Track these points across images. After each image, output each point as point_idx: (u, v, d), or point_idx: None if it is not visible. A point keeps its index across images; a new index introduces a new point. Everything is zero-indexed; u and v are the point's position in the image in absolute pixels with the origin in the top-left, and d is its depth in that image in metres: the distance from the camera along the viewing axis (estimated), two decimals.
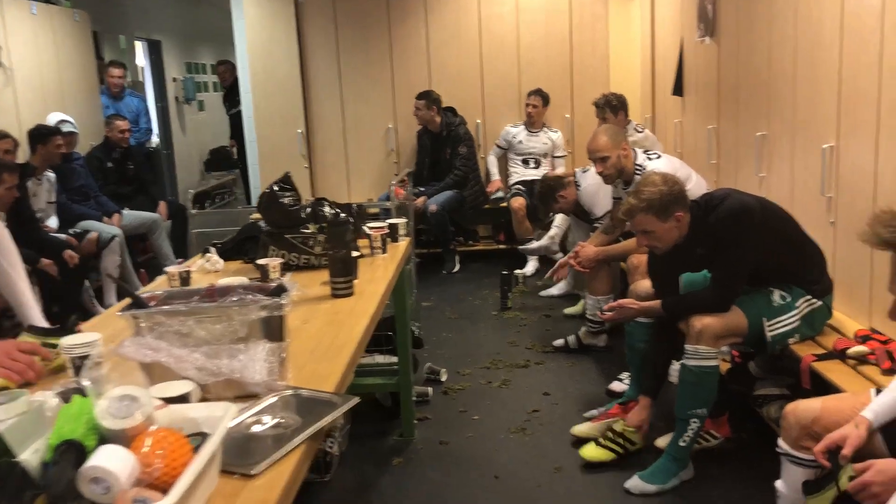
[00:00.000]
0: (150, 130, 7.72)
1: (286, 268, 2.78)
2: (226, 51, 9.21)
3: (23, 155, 5.04)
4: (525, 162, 6.35)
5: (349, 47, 6.61)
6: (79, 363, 1.71)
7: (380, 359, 3.54)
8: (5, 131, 4.69)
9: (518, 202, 5.98)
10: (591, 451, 3.10)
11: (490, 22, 6.57)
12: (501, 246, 6.55)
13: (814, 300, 2.89)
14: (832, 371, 2.62)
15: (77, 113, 6.03)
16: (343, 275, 2.43)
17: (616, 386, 3.74)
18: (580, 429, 3.28)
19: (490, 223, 6.75)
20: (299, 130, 6.60)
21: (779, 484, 2.17)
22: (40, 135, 5.06)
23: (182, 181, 9.63)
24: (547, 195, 4.48)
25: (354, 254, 2.61)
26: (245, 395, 1.63)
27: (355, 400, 1.59)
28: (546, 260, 6.04)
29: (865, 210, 2.88)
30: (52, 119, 5.54)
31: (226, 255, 3.05)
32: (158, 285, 3.01)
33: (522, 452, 3.21)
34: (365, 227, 3.07)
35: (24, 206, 4.56)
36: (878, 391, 2.04)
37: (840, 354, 2.67)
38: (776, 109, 3.68)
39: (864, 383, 2.49)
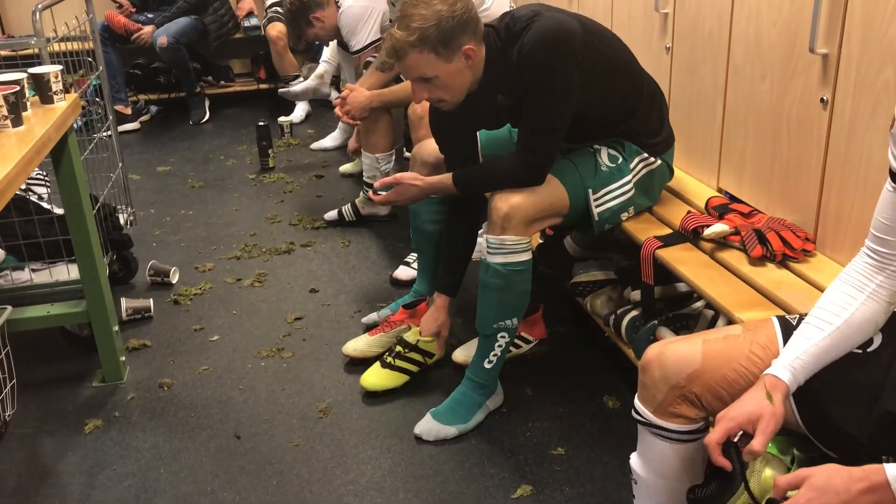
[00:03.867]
0: None
1: None
2: None
3: None
4: None
5: None
6: None
7: (62, 273, 2.44)
8: None
9: (277, 29, 4.76)
10: (374, 378, 2.28)
11: None
12: (263, 86, 5.35)
13: (651, 159, 2.13)
14: (684, 261, 1.90)
15: None
16: None
17: (402, 273, 2.91)
18: (355, 345, 2.44)
19: (247, 57, 5.48)
20: None
21: (636, 463, 1.44)
22: None
23: None
24: (298, 16, 3.36)
25: None
26: None
27: None
28: (319, 104, 4.98)
29: (717, 29, 2.10)
30: None
31: None
32: None
33: (277, 389, 2.32)
34: None
35: None
36: (784, 322, 1.31)
37: (692, 236, 1.95)
38: None
39: (730, 279, 1.80)
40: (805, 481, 1.03)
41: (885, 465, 1.00)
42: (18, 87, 1.92)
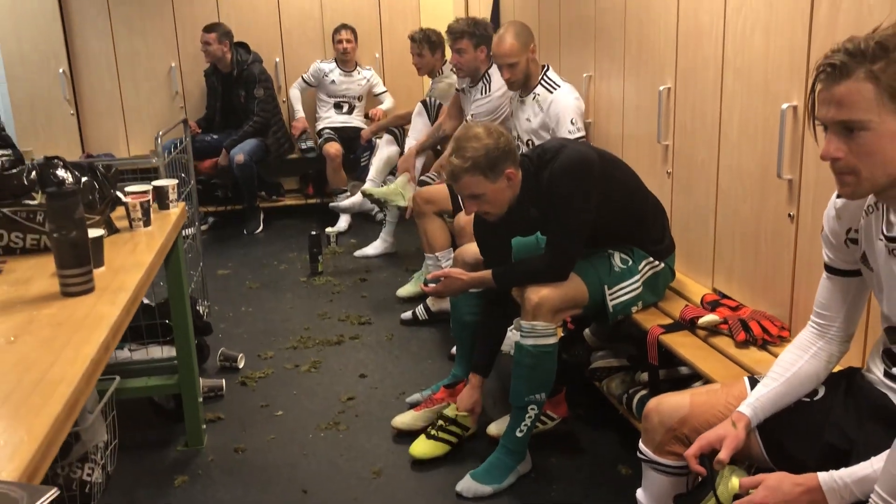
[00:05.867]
0: None
1: (6, 252, 2.07)
2: None
3: None
4: (338, 106, 5.71)
5: None
6: None
7: (156, 352, 2.88)
8: None
9: (334, 148, 5.37)
10: (421, 447, 2.66)
11: None
12: (311, 200, 5.92)
13: (656, 262, 2.58)
14: (682, 345, 2.31)
15: None
16: (75, 265, 1.77)
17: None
18: (402, 420, 2.83)
19: (297, 175, 6.09)
20: (61, 70, 5.55)
21: (640, 495, 1.82)
22: None
23: None
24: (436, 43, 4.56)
25: (95, 233, 1.94)
26: None
27: (50, 495, 1.00)
28: (361, 217, 5.51)
29: (707, 159, 2.58)
30: None
31: None
32: None
33: (335, 455, 2.71)
34: (121, 194, 2.39)
35: None
36: (752, 380, 1.72)
37: (689, 325, 2.37)
38: (604, 47, 3.32)
39: (719, 358, 2.20)
40: (761, 483, 1.42)
41: (818, 473, 1.39)
42: (148, 197, 2.42)
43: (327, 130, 5.50)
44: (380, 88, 5.85)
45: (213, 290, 4.37)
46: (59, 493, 1.00)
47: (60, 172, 2.16)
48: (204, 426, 2.81)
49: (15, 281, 1.91)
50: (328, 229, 5.17)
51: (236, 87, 5.47)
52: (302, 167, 5.96)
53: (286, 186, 6.04)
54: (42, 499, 0.99)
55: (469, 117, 3.94)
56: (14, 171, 2.09)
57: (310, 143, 5.70)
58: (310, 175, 5.92)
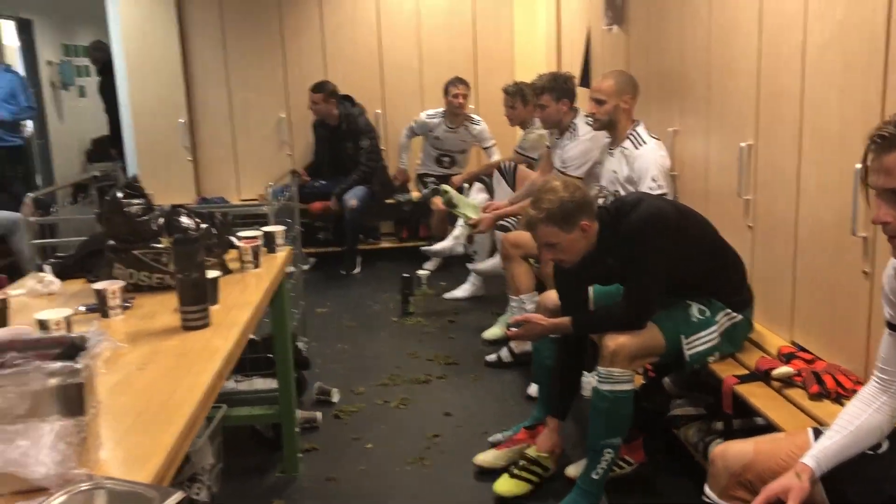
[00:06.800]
0: (31, 108, 6.92)
1: (134, 289, 2.34)
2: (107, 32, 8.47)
3: None
4: (439, 160, 5.94)
5: (235, 29, 6.09)
6: None
7: (259, 384, 3.12)
8: None
9: (440, 202, 5.58)
10: (505, 485, 2.78)
11: (389, 6, 6.18)
12: (405, 244, 6.17)
13: (734, 314, 2.65)
14: (756, 395, 2.37)
15: None
16: (195, 302, 2.01)
17: (533, 390, 3.45)
18: (484, 458, 2.96)
19: (393, 219, 6.36)
20: (181, 120, 6.04)
21: None
22: None
23: (63, 174, 8.84)
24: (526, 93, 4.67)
25: (212, 274, 2.19)
26: (30, 490, 1.22)
27: (176, 497, 1.19)
28: (451, 262, 5.70)
29: (786, 213, 2.65)
30: None
31: (68, 272, 2.58)
32: None
33: (421, 488, 2.86)
34: (234, 238, 2.65)
35: None
36: (817, 431, 1.78)
37: (764, 376, 2.42)
38: (689, 104, 3.43)
39: (791, 410, 2.26)
40: None
41: None
42: (258, 241, 2.67)
43: (432, 180, 5.72)
44: (488, 142, 5.85)
45: (312, 327, 4.64)
46: (184, 496, 1.20)
47: (184, 219, 2.44)
48: (300, 455, 3.02)
49: (143, 315, 2.17)
50: (419, 272, 5.38)
51: (344, 139, 5.82)
52: (398, 212, 6.23)
53: (382, 230, 6.32)
54: (171, 499, 1.18)
55: (559, 165, 4.08)
56: (145, 217, 2.37)
57: (409, 197, 5.98)
58: (404, 220, 6.18)
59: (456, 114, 5.75)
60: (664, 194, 3.35)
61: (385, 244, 6.22)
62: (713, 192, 3.24)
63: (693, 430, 2.77)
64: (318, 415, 3.38)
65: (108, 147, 9.46)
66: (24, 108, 6.66)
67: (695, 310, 2.62)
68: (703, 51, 3.22)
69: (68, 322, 1.90)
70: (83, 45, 10.10)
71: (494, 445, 3.05)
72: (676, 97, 3.57)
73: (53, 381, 1.23)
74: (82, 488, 1.22)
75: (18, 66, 8.74)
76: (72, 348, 1.30)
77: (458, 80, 5.71)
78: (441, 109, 5.79)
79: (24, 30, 8.83)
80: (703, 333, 2.59)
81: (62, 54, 9.66)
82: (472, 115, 5.85)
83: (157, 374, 1.75)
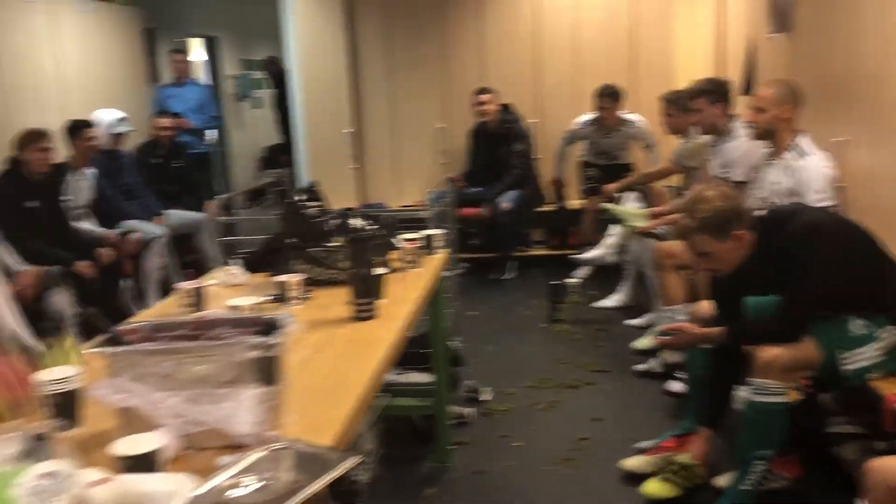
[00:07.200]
0: (217, 118, 7.64)
1: (311, 283, 2.58)
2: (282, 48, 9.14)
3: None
4: (599, 154, 5.89)
5: (401, 43, 6.43)
6: (58, 400, 1.53)
7: (415, 377, 3.31)
8: (41, 130, 4.56)
9: (595, 202, 5.60)
10: (655, 487, 2.82)
11: (547, 18, 6.30)
12: (556, 252, 6.24)
13: None
14: None
15: (125, 111, 5.96)
16: (364, 295, 2.20)
17: (673, 385, 3.48)
18: (631, 462, 3.00)
19: (545, 227, 6.45)
20: (349, 130, 6.42)
21: None
22: (73, 128, 4.98)
23: (239, 180, 9.59)
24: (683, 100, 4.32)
25: (380, 271, 2.38)
26: (232, 445, 1.43)
27: (354, 460, 1.36)
28: (602, 270, 5.70)
29: None
30: (105, 117, 5.44)
31: (252, 266, 2.87)
32: (168, 304, 2.76)
33: (566, 487, 2.94)
34: (397, 239, 2.85)
35: (56, 204, 4.51)
36: None
37: None
38: (858, 113, 3.32)
39: None
40: None
41: None
42: (419, 243, 2.86)
43: (593, 171, 5.71)
44: (648, 140, 5.69)
45: (463, 329, 4.81)
46: (361, 459, 1.36)
47: (353, 221, 2.66)
48: (451, 448, 3.18)
49: (318, 306, 2.40)
50: (568, 280, 5.43)
51: (501, 144, 6.00)
52: (550, 221, 6.31)
53: (534, 237, 6.43)
54: (349, 460, 1.35)
55: (719, 170, 4.00)
56: (321, 219, 2.61)
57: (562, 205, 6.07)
58: (556, 228, 6.26)
59: (604, 125, 5.70)
60: (833, 206, 3.24)
61: (536, 251, 6.32)
62: (882, 205, 3.12)
63: (852, 447, 2.69)
64: (469, 411, 3.53)
65: (278, 155, 10.16)
66: (211, 117, 7.32)
67: (854, 325, 2.54)
68: (872, 58, 3.11)
69: (258, 308, 2.15)
70: (258, 59, 10.90)
71: (642, 451, 3.08)
72: (844, 106, 3.45)
73: (254, 354, 1.43)
74: (276, 447, 1.41)
75: (205, 80, 9.59)
76: (268, 327, 1.51)
77: (606, 93, 5.61)
78: (592, 116, 5.76)
79: (211, 46, 9.65)
80: (862, 349, 2.52)
81: (240, 68, 10.47)
82: (626, 117, 5.75)
83: (331, 357, 1.95)
